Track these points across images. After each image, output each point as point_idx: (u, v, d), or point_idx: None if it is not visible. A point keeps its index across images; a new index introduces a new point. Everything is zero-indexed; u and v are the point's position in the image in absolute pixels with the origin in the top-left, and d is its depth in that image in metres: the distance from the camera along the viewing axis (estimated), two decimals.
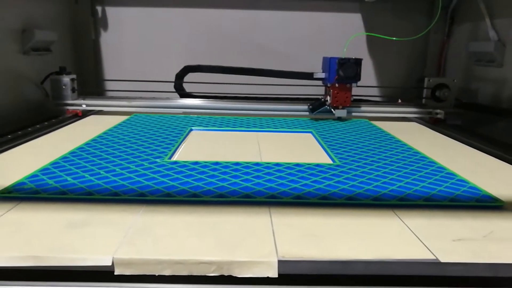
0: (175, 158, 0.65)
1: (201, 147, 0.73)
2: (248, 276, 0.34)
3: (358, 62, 0.94)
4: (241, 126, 0.88)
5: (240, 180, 0.53)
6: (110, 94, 1.19)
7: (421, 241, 0.39)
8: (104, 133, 0.79)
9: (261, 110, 1.02)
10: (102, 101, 1.03)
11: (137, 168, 0.57)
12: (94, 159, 0.61)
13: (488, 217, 0.44)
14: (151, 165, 0.58)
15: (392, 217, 0.44)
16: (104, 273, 0.34)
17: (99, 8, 1.22)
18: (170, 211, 0.44)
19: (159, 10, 1.23)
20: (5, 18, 0.86)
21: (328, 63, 0.96)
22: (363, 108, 1.01)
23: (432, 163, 0.63)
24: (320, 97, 1.01)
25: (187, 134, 0.81)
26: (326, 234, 0.40)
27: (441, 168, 0.60)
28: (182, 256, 0.35)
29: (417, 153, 0.69)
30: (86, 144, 0.70)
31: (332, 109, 0.98)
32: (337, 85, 0.96)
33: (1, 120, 0.83)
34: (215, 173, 0.55)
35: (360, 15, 1.25)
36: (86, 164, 0.58)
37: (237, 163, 0.60)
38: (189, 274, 0.35)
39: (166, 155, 0.64)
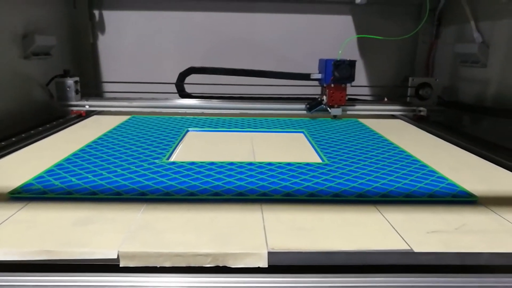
0: (172, 158, 0.68)
1: (197, 148, 0.76)
2: (241, 266, 0.38)
3: (352, 63, 0.99)
4: (235, 127, 0.92)
5: (234, 179, 0.56)
6: (109, 95, 1.23)
7: (398, 233, 0.42)
8: (104, 135, 0.82)
9: (257, 110, 1.07)
10: (104, 102, 1.08)
11: (137, 169, 0.60)
12: (96, 160, 0.64)
13: (462, 211, 0.48)
14: (150, 166, 0.62)
15: (374, 212, 0.48)
16: (108, 266, 0.38)
17: (96, 12, 1.25)
18: (169, 209, 0.48)
19: (156, 13, 1.26)
20: (9, 24, 0.90)
21: (324, 64, 1.01)
22: (353, 107, 1.07)
23: (416, 161, 0.67)
24: (316, 96, 1.07)
25: (184, 135, 0.84)
26: (313, 228, 0.43)
27: (424, 166, 0.64)
28: (181, 249, 0.38)
29: (402, 151, 0.73)
30: (87, 146, 0.73)
31: (328, 108, 1.03)
32: (332, 85, 1.01)
33: (12, 119, 0.88)
34: (211, 172, 0.59)
35: (351, 17, 1.28)
36: (89, 166, 0.62)
37: (231, 163, 0.64)
38: (187, 265, 0.38)
39: (164, 156, 0.68)
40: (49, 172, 0.58)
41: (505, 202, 0.52)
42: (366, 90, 1.26)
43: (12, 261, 0.38)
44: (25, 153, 0.70)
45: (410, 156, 0.70)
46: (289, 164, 0.64)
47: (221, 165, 0.63)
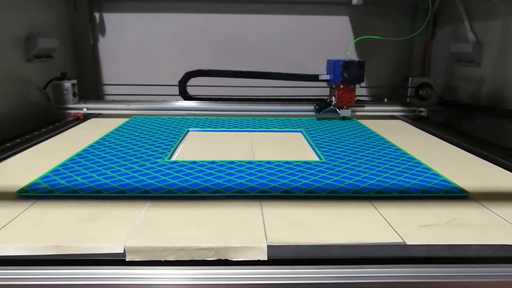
0: (174, 158, 0.70)
1: (198, 148, 0.78)
2: (241, 259, 0.40)
3: (361, 64, 0.99)
4: (235, 127, 0.94)
5: (235, 177, 0.58)
6: (109, 98, 1.25)
7: (392, 227, 0.44)
8: (106, 135, 0.84)
9: (259, 111, 1.07)
10: (102, 105, 1.08)
11: (140, 168, 0.62)
12: (100, 160, 0.66)
13: (453, 206, 0.50)
14: (153, 165, 0.64)
15: (369, 208, 0.50)
16: (115, 260, 0.40)
17: (97, 15, 1.26)
18: (172, 206, 0.50)
19: (156, 15, 1.28)
20: (11, 27, 0.91)
21: (332, 65, 1.01)
22: (353, 108, 1.06)
23: (411, 158, 0.69)
24: (323, 97, 1.07)
25: (185, 135, 0.86)
26: (310, 223, 0.45)
27: (418, 163, 0.66)
28: (184, 243, 0.40)
29: (398, 149, 0.75)
30: (91, 146, 0.75)
31: (337, 109, 1.03)
32: (341, 86, 1.01)
33: (10, 123, 0.89)
34: (212, 171, 0.61)
35: (348, 18, 1.30)
36: (93, 165, 0.63)
37: (231, 162, 0.66)
38: (191, 259, 0.40)
39: (166, 155, 0.70)
40: (55, 171, 0.60)
41: (496, 197, 0.54)
42: (364, 91, 1.28)
43: (22, 256, 0.39)
44: (28, 154, 0.72)
45: (406, 154, 0.72)
46: (287, 162, 0.66)
47: (221, 163, 0.65)
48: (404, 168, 0.64)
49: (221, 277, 0.38)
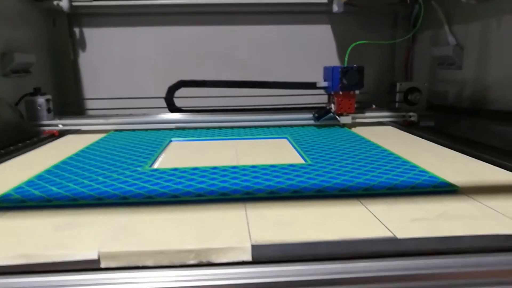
0: (155, 166, 0.68)
1: (180, 156, 0.76)
2: (224, 261, 0.37)
3: (360, 69, 0.97)
4: (219, 135, 0.92)
5: (218, 181, 0.56)
6: (91, 113, 1.22)
7: (382, 223, 0.43)
8: (86, 147, 0.81)
9: (244, 122, 1.04)
10: (79, 120, 1.03)
11: (119, 176, 0.60)
12: (77, 170, 0.64)
13: (443, 200, 0.49)
14: (132, 173, 0.61)
15: (357, 205, 0.48)
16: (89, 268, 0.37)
17: (77, 30, 1.25)
18: (152, 211, 0.47)
19: (137, 29, 1.27)
20: None
21: (331, 72, 0.99)
22: (353, 115, 1.04)
23: (398, 158, 0.68)
24: (324, 105, 1.05)
25: (167, 145, 0.84)
26: (296, 222, 0.43)
27: (405, 162, 0.65)
28: (163, 246, 0.38)
29: (384, 150, 0.74)
30: (69, 158, 0.72)
31: (337, 116, 1.01)
32: (341, 92, 0.99)
33: None
34: (194, 176, 0.59)
35: (330, 26, 1.31)
36: (70, 175, 0.61)
37: (214, 167, 0.64)
38: (170, 263, 0.38)
39: (146, 164, 0.67)
40: (29, 183, 0.57)
41: (486, 190, 0.53)
42: None
43: None
44: (1, 168, 0.69)
45: (392, 154, 0.71)
46: (272, 166, 0.64)
47: (204, 169, 0.63)
48: (391, 167, 0.63)
49: (204, 278, 0.35)
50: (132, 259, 0.37)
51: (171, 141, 0.88)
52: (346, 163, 0.65)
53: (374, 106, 1.16)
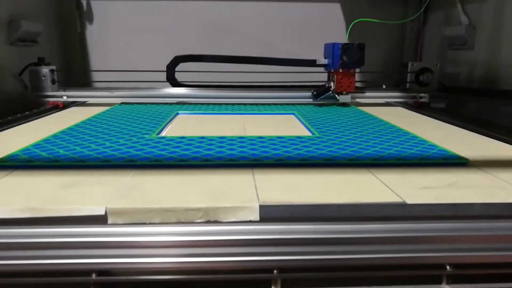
0: (162, 135, 0.67)
1: (187, 126, 0.75)
2: (232, 220, 0.37)
3: (361, 46, 0.93)
4: (226, 110, 0.91)
5: (225, 149, 0.56)
6: (98, 85, 1.21)
7: (391, 190, 0.42)
8: (92, 116, 0.81)
9: (251, 98, 1.02)
10: (83, 92, 1.01)
11: (126, 142, 0.59)
12: (84, 136, 0.63)
13: (454, 172, 0.48)
14: (140, 140, 0.61)
15: (366, 174, 0.47)
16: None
17: (84, 2, 1.23)
18: (159, 173, 0.47)
19: (143, 2, 1.25)
20: None
21: (331, 48, 0.95)
22: (352, 94, 1.01)
23: (406, 133, 0.67)
24: (323, 83, 1.01)
25: (174, 117, 0.84)
26: (305, 186, 0.43)
27: (414, 137, 0.64)
28: (171, 204, 0.38)
29: (392, 126, 0.73)
30: (75, 125, 0.72)
31: (336, 95, 0.98)
32: (340, 70, 0.95)
33: None
34: (201, 144, 0.58)
35: (339, 5, 1.29)
36: (76, 140, 0.60)
37: (222, 137, 0.63)
38: (178, 221, 0.37)
39: (153, 132, 0.67)
40: (36, 145, 0.57)
41: (496, 164, 0.52)
42: (360, 78, 1.26)
43: None
44: (7, 134, 0.68)
45: (401, 129, 0.70)
46: (280, 137, 0.63)
47: (211, 138, 0.62)
48: (400, 140, 0.62)
49: (211, 233, 0.35)
50: (139, 216, 0.37)
51: (178, 113, 0.88)
52: (355, 136, 0.64)
53: (384, 86, 1.14)
